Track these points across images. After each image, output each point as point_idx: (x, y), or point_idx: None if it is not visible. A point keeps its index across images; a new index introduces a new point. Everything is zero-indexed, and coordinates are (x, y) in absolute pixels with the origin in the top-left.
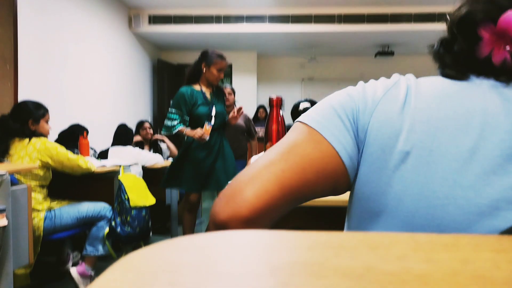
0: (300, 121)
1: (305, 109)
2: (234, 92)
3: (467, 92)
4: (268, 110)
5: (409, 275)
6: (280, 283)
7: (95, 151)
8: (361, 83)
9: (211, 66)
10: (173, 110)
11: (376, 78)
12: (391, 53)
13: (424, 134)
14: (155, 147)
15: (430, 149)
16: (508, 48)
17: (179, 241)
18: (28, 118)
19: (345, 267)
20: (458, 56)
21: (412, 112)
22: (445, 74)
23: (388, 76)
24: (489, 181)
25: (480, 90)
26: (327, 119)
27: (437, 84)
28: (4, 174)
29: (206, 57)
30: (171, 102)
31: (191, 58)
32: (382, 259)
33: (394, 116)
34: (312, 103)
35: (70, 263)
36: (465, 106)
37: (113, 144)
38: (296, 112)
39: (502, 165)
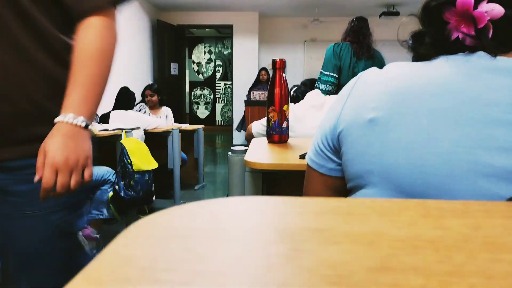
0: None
1: (295, 93)
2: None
3: (431, 65)
4: (270, 72)
5: (420, 241)
6: (291, 248)
7: (96, 115)
8: (333, 102)
9: None
10: None
11: (381, 40)
12: (396, 13)
13: (391, 102)
14: None
15: (399, 112)
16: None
17: (190, 207)
18: None
19: (356, 233)
20: (431, 45)
21: (375, 89)
22: (417, 57)
23: (393, 37)
24: (463, 132)
25: (442, 62)
26: (316, 157)
27: (405, 65)
28: None
29: None
30: None
31: (191, 19)
32: (392, 225)
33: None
34: (313, 81)
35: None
36: (429, 74)
37: (115, 107)
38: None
39: (473, 118)
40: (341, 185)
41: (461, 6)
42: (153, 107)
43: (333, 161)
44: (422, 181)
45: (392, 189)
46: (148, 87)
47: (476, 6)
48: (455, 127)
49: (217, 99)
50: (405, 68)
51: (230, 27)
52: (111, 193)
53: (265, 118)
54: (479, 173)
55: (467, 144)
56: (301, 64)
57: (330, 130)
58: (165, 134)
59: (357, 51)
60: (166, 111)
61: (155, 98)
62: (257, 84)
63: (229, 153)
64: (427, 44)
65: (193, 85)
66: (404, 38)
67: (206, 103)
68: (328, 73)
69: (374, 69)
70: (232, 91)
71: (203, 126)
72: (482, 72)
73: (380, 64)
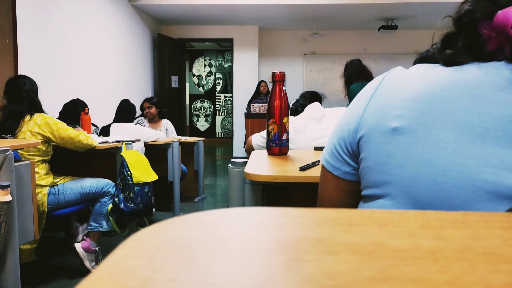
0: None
1: (294, 105)
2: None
3: (462, 72)
4: (269, 85)
5: (420, 252)
6: (291, 258)
7: (97, 127)
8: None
9: None
10: None
11: (380, 53)
12: (395, 27)
13: (417, 111)
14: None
15: (425, 123)
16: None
17: (189, 217)
18: (37, 95)
19: (355, 243)
20: (460, 50)
21: (401, 94)
22: (445, 62)
23: (392, 51)
24: (491, 151)
25: (474, 69)
26: (332, 158)
27: (433, 68)
28: (8, 151)
29: None
30: None
31: (192, 32)
32: (392, 236)
33: (385, 105)
34: (312, 94)
35: (81, 237)
36: (459, 83)
37: (115, 120)
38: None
39: (502, 138)
40: (355, 189)
41: (499, 22)
42: (152, 120)
43: (349, 165)
44: (443, 199)
45: (411, 204)
46: (146, 100)
47: None
48: (482, 145)
49: (217, 111)
50: (433, 73)
51: (230, 40)
52: (110, 205)
53: (265, 130)
54: (502, 195)
55: (493, 164)
56: (301, 76)
57: (350, 133)
58: (165, 147)
59: None
60: (165, 124)
61: (153, 110)
62: (257, 96)
63: (229, 165)
64: (460, 48)
65: (194, 97)
66: (406, 51)
67: (206, 116)
68: None
69: (400, 70)
70: (232, 103)
71: (203, 138)
72: None
73: None
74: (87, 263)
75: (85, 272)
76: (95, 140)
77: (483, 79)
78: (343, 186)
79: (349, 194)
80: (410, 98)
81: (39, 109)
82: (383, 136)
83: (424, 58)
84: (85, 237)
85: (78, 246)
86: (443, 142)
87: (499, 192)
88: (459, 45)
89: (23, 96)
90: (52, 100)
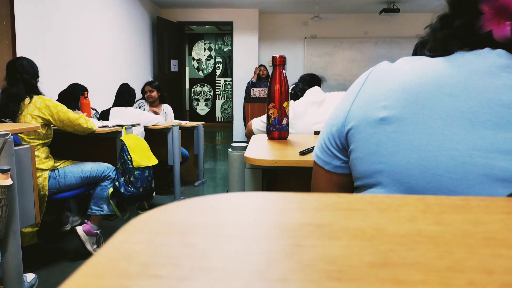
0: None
1: (293, 90)
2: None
3: (446, 62)
4: (269, 69)
5: (420, 237)
6: (292, 244)
7: (96, 111)
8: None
9: None
10: None
11: (381, 37)
12: (397, 10)
13: (404, 100)
14: None
15: (413, 112)
16: (508, 23)
17: (189, 202)
18: (37, 77)
19: (356, 228)
20: (455, 32)
21: (387, 86)
22: (429, 50)
23: (393, 34)
24: (480, 134)
25: (459, 58)
26: (322, 154)
27: (417, 60)
28: (7, 135)
29: None
30: None
31: (191, 15)
32: (392, 221)
33: (375, 96)
34: (312, 76)
35: (69, 226)
36: (444, 72)
37: (115, 104)
38: None
39: (491, 121)
40: (348, 182)
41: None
42: (153, 103)
43: (339, 159)
44: (435, 183)
45: (403, 191)
46: (148, 83)
47: None
48: (472, 129)
49: (217, 96)
50: (419, 64)
51: (230, 24)
52: (111, 189)
53: (265, 115)
54: (495, 178)
55: (483, 148)
56: (302, 60)
57: (338, 128)
58: (165, 131)
59: None
60: (165, 108)
61: (154, 93)
62: (257, 80)
63: (229, 149)
64: (455, 29)
65: (193, 82)
66: (407, 35)
67: (206, 100)
68: None
69: (385, 64)
70: (232, 88)
71: (203, 123)
72: (501, 71)
73: None
74: (88, 246)
75: (87, 254)
76: (95, 124)
77: (468, 67)
78: (335, 179)
79: (341, 187)
80: (397, 88)
81: (36, 91)
82: (371, 127)
83: (425, 41)
84: (86, 220)
85: (80, 229)
86: (432, 129)
87: (491, 175)
88: (455, 25)
89: (18, 78)
90: (50, 84)
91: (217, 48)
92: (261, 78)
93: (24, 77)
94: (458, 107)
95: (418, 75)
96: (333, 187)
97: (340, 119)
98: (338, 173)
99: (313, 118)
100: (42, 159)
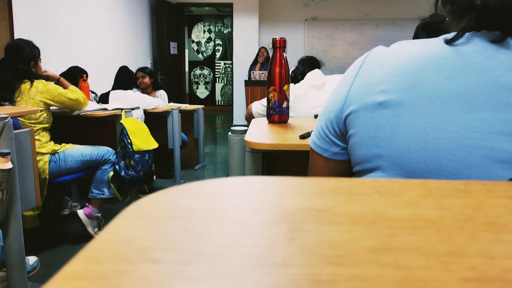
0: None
1: (294, 73)
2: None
3: (441, 44)
4: (270, 51)
5: (421, 221)
6: (292, 229)
7: (96, 94)
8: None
9: None
10: None
11: (383, 18)
12: None
13: (402, 84)
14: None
15: (411, 95)
16: None
17: (189, 187)
18: (30, 60)
19: (356, 213)
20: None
21: (384, 70)
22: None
23: (395, 16)
24: (479, 116)
25: (459, 40)
26: (320, 141)
27: (414, 43)
28: (6, 118)
29: None
30: None
31: None
32: (393, 205)
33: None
34: (311, 59)
35: (67, 210)
36: (442, 54)
37: (114, 87)
38: None
39: (490, 103)
40: (346, 169)
41: None
42: (145, 90)
43: (337, 145)
44: (435, 166)
45: (402, 174)
46: (139, 69)
47: None
48: (470, 111)
49: (217, 78)
50: (415, 47)
51: (230, 5)
52: (111, 173)
53: (265, 98)
54: (494, 159)
55: (482, 129)
56: (302, 43)
57: (335, 114)
58: (165, 114)
59: None
60: (160, 95)
61: (147, 80)
62: (257, 63)
63: (229, 133)
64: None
65: (193, 64)
66: (409, 17)
67: (206, 83)
68: None
69: (381, 48)
70: (232, 70)
71: (203, 106)
72: (499, 53)
73: None
74: (89, 229)
75: (89, 237)
76: (89, 104)
77: (465, 49)
78: (333, 166)
79: (339, 174)
80: (394, 72)
81: (29, 76)
82: (370, 112)
83: (427, 23)
84: (87, 204)
85: (81, 213)
86: (430, 111)
87: (491, 156)
88: None
89: (1, 64)
90: (49, 66)
91: (216, 30)
92: (263, 65)
93: (7, 63)
94: (456, 89)
95: (415, 59)
96: (331, 174)
97: (338, 105)
98: (336, 159)
99: (313, 101)
100: (43, 143)
